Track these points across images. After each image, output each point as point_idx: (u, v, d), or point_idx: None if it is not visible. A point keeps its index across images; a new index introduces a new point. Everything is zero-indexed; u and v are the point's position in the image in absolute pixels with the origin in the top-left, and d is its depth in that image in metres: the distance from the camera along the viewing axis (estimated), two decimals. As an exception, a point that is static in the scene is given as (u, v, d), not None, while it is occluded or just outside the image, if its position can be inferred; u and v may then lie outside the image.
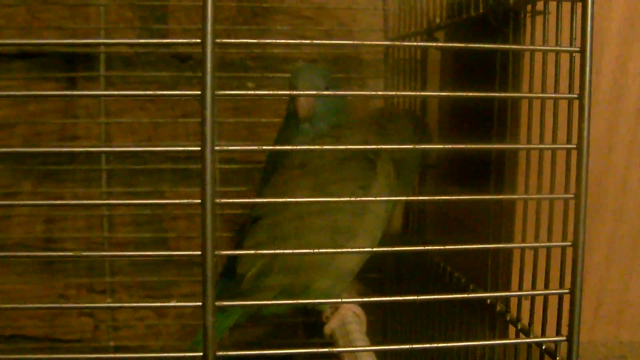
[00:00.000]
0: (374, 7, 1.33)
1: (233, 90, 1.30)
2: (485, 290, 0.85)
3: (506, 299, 0.80)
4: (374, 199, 0.76)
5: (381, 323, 1.29)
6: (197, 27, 1.24)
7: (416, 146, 0.62)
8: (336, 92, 0.72)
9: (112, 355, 0.60)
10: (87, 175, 1.37)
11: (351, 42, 0.63)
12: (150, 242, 1.39)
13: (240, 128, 1.36)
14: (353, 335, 0.85)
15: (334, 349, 0.67)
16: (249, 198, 1.00)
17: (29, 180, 1.37)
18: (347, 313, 0.90)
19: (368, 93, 0.74)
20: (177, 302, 0.63)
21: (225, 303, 0.60)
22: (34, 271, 1.38)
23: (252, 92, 0.59)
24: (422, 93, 0.80)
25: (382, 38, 1.31)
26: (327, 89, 1.03)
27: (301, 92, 0.80)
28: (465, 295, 0.67)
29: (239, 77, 1.35)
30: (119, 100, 1.35)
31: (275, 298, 0.89)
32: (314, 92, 0.89)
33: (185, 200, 0.59)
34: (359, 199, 0.66)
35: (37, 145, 1.36)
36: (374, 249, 0.64)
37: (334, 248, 0.88)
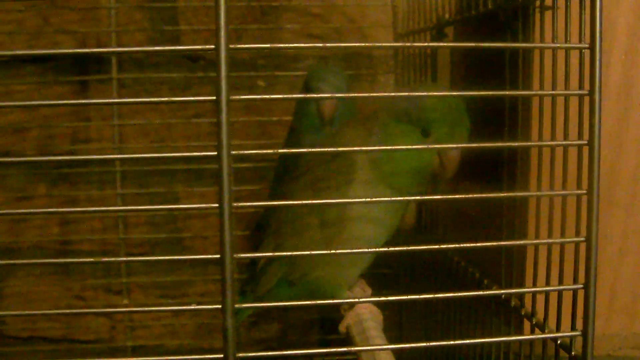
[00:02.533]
0: (382, 3, 1.33)
1: (244, 89, 1.34)
2: (500, 285, 0.86)
3: (521, 294, 0.81)
4: (379, 199, 0.76)
5: (397, 317, 1.30)
6: (207, 28, 1.25)
7: (428, 146, 0.63)
8: (355, 94, 0.74)
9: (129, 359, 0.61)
10: (101, 177, 1.38)
11: (360, 44, 0.64)
12: (166, 242, 1.40)
13: (252, 126, 1.36)
14: (370, 333, 0.85)
15: (351, 348, 0.68)
16: (263, 197, 1.01)
17: (44, 183, 1.38)
18: (363, 310, 0.91)
19: (383, 95, 0.75)
20: (195, 302, 0.64)
21: (244, 305, 0.61)
22: (50, 273, 1.39)
23: (266, 96, 0.60)
24: (434, 94, 0.80)
25: (391, 34, 1.31)
26: (346, 88, 1.03)
27: (314, 95, 0.81)
28: (480, 293, 0.67)
29: (250, 76, 1.36)
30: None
31: (278, 283, 0.93)
32: (327, 95, 0.90)
33: (204, 205, 0.59)
34: (365, 200, 0.66)
35: (50, 147, 1.37)
36: (383, 249, 0.64)
37: (325, 242, 0.89)
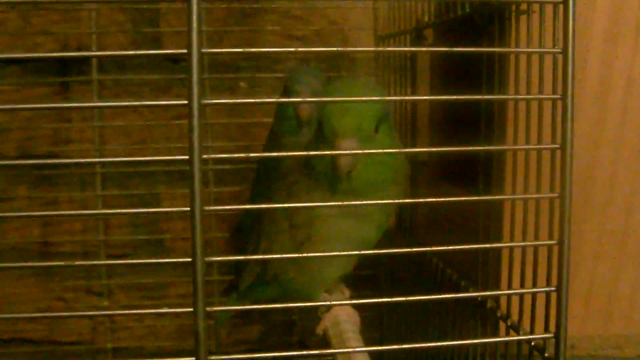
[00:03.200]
0: (363, 6, 1.33)
1: (225, 91, 1.33)
2: (477, 287, 0.86)
3: (497, 296, 0.81)
4: (362, 202, 0.76)
5: (377, 319, 1.30)
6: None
7: (402, 150, 0.63)
8: (333, 99, 0.74)
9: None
10: (82, 179, 1.37)
11: (336, 48, 0.64)
12: (147, 243, 1.40)
13: (233, 128, 1.36)
14: (346, 335, 0.86)
15: (325, 351, 0.68)
16: (243, 198, 1.01)
17: (24, 184, 1.38)
18: (340, 312, 0.91)
19: (360, 99, 0.75)
20: (170, 306, 0.64)
21: (215, 308, 0.61)
22: (31, 274, 1.39)
23: (239, 100, 0.60)
24: (410, 97, 0.80)
25: (372, 36, 1.31)
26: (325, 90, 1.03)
27: (290, 99, 0.80)
28: (455, 295, 0.67)
29: (232, 78, 1.36)
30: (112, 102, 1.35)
31: (256, 282, 0.95)
32: (301, 99, 0.90)
33: (175, 209, 0.59)
34: (348, 203, 0.65)
35: (31, 149, 1.36)
36: (357, 252, 0.64)
37: (295, 245, 0.89)
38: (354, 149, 0.76)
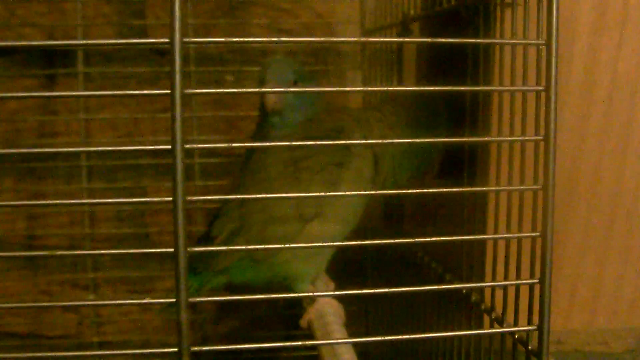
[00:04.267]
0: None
1: (212, 83, 1.33)
2: (461, 279, 0.86)
3: (481, 289, 0.81)
4: (346, 193, 0.77)
5: (363, 312, 1.30)
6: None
7: (387, 141, 0.63)
8: (304, 89, 0.74)
9: (85, 353, 0.60)
10: (68, 172, 1.37)
11: (321, 39, 0.64)
12: (133, 237, 1.39)
13: (220, 121, 1.36)
14: (331, 327, 0.86)
15: (308, 343, 0.68)
16: (226, 191, 1.01)
17: (10, 177, 1.37)
18: (325, 305, 0.91)
19: (338, 89, 0.75)
20: (153, 297, 0.64)
21: (198, 299, 0.60)
22: (17, 267, 1.39)
23: (221, 90, 0.59)
24: (395, 89, 0.81)
25: (359, 30, 1.32)
26: (295, 82, 1.03)
27: (268, 90, 0.80)
28: (438, 287, 0.67)
29: (218, 70, 1.35)
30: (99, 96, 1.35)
31: (241, 261, 0.92)
32: (282, 89, 0.90)
33: (158, 199, 0.59)
34: (329, 193, 0.66)
35: (17, 141, 1.36)
36: (350, 243, 0.65)
37: (299, 222, 0.90)
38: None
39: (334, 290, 1.00)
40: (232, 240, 0.92)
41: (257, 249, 0.78)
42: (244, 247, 0.64)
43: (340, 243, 0.79)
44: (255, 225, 0.92)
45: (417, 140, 0.77)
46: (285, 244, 0.77)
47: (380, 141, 0.78)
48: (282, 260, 0.91)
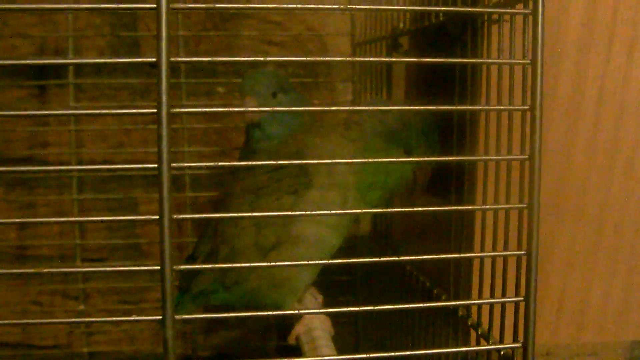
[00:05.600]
0: (341, 12, 1.33)
1: (202, 95, 1.33)
2: (449, 294, 0.86)
3: (467, 305, 0.82)
4: (336, 212, 0.77)
5: (353, 324, 1.30)
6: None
7: (371, 160, 0.63)
8: (288, 109, 0.75)
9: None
10: (59, 182, 1.37)
11: (308, 58, 0.64)
12: (123, 247, 1.40)
13: (211, 132, 1.37)
14: (319, 342, 0.86)
15: (294, 359, 0.68)
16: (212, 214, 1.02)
17: (1, 186, 1.37)
18: (312, 319, 0.91)
19: (324, 109, 0.75)
20: (146, 310, 0.64)
21: (184, 316, 0.61)
22: (7, 278, 1.38)
23: (208, 109, 0.60)
24: (384, 108, 0.81)
25: (349, 42, 1.32)
26: (274, 94, 1.05)
27: (258, 109, 0.80)
28: (423, 305, 0.67)
29: (209, 82, 1.36)
30: (90, 107, 1.35)
31: (213, 285, 0.93)
32: (266, 109, 0.91)
33: (143, 217, 0.59)
34: (319, 212, 0.66)
35: (7, 152, 1.36)
36: (334, 261, 0.65)
37: (259, 253, 0.89)
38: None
39: (322, 303, 1.00)
40: (207, 262, 0.93)
41: (236, 267, 0.78)
42: (228, 265, 0.64)
43: (328, 262, 0.78)
44: (223, 252, 0.92)
45: (406, 160, 0.77)
46: (250, 273, 0.77)
47: (347, 161, 0.78)
48: (250, 289, 0.91)
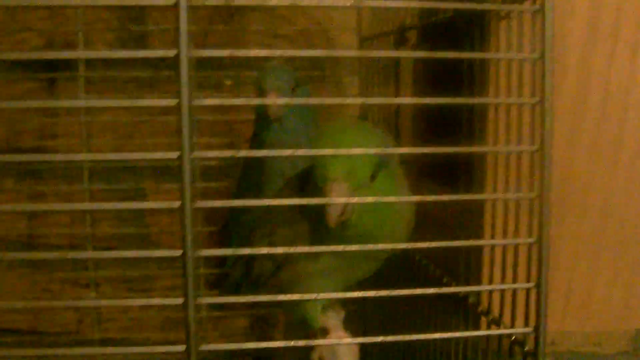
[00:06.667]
0: (347, 7, 1.34)
1: (210, 87, 1.35)
2: (459, 282, 0.88)
3: (478, 292, 0.83)
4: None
5: (360, 317, 1.31)
6: (174, 27, 1.27)
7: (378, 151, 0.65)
8: (306, 100, 0.75)
9: (91, 350, 0.62)
10: (69, 172, 1.38)
11: (318, 51, 0.65)
12: (133, 237, 1.41)
13: (219, 124, 1.38)
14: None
15: (315, 342, 0.70)
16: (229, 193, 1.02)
17: (10, 177, 1.39)
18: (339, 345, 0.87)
19: (333, 100, 0.77)
20: (160, 296, 0.66)
21: (205, 300, 0.63)
22: (17, 266, 1.40)
23: (228, 100, 0.61)
24: (392, 100, 0.82)
25: (356, 37, 1.33)
26: (293, 89, 1.06)
27: (277, 100, 0.82)
28: (436, 290, 0.69)
29: (217, 75, 1.37)
30: (99, 99, 1.36)
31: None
32: (287, 100, 0.92)
33: (165, 204, 0.61)
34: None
35: (17, 143, 1.37)
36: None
37: (272, 265, 0.88)
38: (345, 196, 0.72)
39: (343, 319, 0.97)
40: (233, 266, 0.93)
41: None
42: (248, 251, 0.65)
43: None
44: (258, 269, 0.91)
45: (415, 150, 0.78)
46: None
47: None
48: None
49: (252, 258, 0.92)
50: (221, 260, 1.01)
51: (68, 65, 1.35)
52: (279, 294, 0.68)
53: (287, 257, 0.85)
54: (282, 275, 0.88)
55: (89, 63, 1.35)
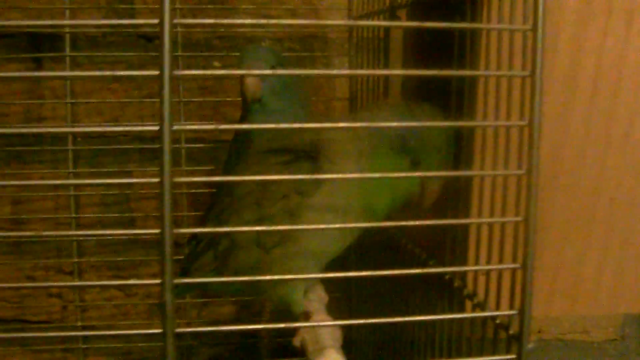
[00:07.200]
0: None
1: (199, 69, 1.33)
2: (445, 266, 0.86)
3: (463, 275, 0.82)
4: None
5: (346, 300, 1.30)
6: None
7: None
8: (290, 71, 0.74)
9: (70, 333, 0.61)
10: (54, 156, 1.37)
11: (308, 21, 0.64)
12: (118, 222, 1.40)
13: (206, 107, 1.37)
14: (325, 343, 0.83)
15: (292, 325, 0.68)
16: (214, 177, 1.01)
17: (-5, 161, 1.38)
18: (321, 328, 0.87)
19: (322, 72, 0.75)
20: (135, 290, 0.64)
21: (183, 280, 0.61)
22: (1, 252, 1.39)
23: (210, 71, 0.60)
24: (381, 72, 0.81)
25: (346, 16, 1.32)
26: (273, 67, 1.04)
27: (259, 72, 0.81)
28: (420, 271, 0.68)
29: (206, 56, 1.36)
30: (85, 81, 1.35)
31: (212, 272, 0.90)
32: (270, 72, 0.90)
33: (144, 180, 0.59)
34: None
35: (2, 126, 1.36)
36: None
37: (259, 251, 0.87)
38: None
39: (327, 303, 0.97)
40: (207, 250, 0.91)
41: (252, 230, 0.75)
42: (228, 228, 0.64)
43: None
44: (223, 245, 0.89)
45: (402, 124, 0.77)
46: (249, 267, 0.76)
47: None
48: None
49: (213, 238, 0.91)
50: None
51: (53, 45, 1.33)
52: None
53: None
54: (263, 259, 0.86)
55: (75, 44, 1.34)
